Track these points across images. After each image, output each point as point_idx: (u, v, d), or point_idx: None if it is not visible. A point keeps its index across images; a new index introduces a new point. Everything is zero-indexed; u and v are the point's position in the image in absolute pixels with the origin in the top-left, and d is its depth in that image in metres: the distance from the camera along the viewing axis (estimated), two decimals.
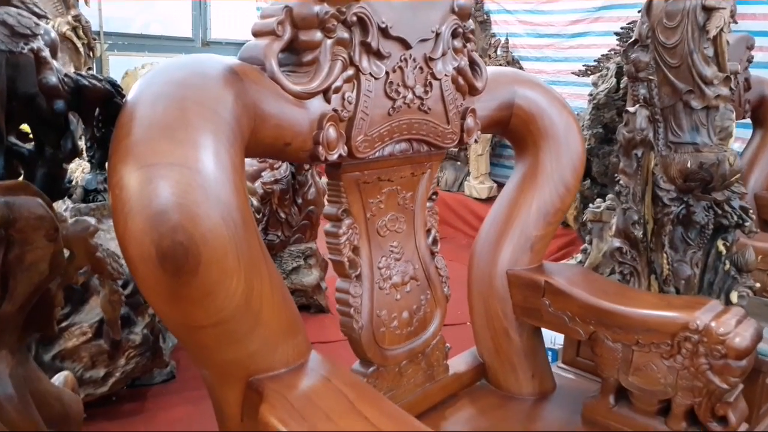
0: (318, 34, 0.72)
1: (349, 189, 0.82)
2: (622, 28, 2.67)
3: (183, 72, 0.59)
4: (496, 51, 3.83)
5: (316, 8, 0.71)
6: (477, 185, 3.70)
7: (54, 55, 0.66)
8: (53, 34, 0.68)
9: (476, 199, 3.69)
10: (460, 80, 0.91)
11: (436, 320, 0.96)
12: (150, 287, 0.55)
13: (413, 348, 0.92)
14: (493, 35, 3.94)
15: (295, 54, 0.73)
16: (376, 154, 0.81)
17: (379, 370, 0.87)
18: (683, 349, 0.85)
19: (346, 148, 0.76)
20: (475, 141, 0.96)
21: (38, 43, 0.58)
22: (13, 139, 0.67)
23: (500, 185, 3.97)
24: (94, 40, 3.53)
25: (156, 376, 1.66)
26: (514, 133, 1.06)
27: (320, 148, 0.72)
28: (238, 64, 0.66)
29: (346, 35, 0.75)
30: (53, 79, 0.59)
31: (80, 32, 3.32)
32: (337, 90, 0.74)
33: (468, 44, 0.92)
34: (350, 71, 0.76)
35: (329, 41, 0.73)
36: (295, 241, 2.17)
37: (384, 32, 0.78)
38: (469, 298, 1.07)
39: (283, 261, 2.07)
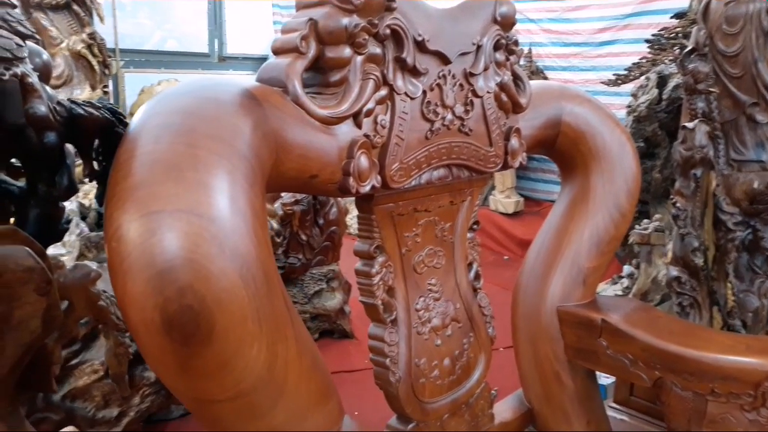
0: (347, 50, 0.63)
1: (382, 223, 0.72)
2: (653, 35, 2.55)
3: (192, 98, 0.50)
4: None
5: (345, 21, 0.62)
6: (503, 199, 3.59)
7: (47, 79, 0.58)
8: (45, 56, 0.60)
9: (502, 213, 3.58)
10: (504, 97, 0.81)
11: (480, 366, 0.86)
12: (155, 358, 0.46)
13: (456, 399, 0.82)
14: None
15: (321, 73, 0.64)
16: (413, 183, 0.72)
17: (419, 425, 0.77)
18: None
19: (379, 178, 0.66)
20: (521, 164, 0.86)
21: (24, 68, 0.50)
22: (1, 176, 0.59)
23: (527, 199, 3.87)
24: (110, 57, 3.50)
25: (173, 411, 1.58)
26: (561, 154, 0.95)
27: (351, 179, 0.63)
28: (257, 86, 0.57)
29: (378, 51, 0.65)
30: (42, 108, 0.50)
31: (95, 50, 3.30)
32: (369, 113, 0.65)
33: (511, 57, 0.83)
34: (383, 91, 0.66)
35: (359, 58, 0.64)
36: (317, 264, 2.08)
37: (420, 46, 0.69)
38: (514, 338, 0.96)
39: (304, 284, 1.98)
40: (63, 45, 3.29)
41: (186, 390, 0.48)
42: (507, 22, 0.80)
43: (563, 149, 0.94)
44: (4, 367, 0.55)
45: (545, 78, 3.71)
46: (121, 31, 4.14)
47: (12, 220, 0.60)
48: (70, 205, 1.34)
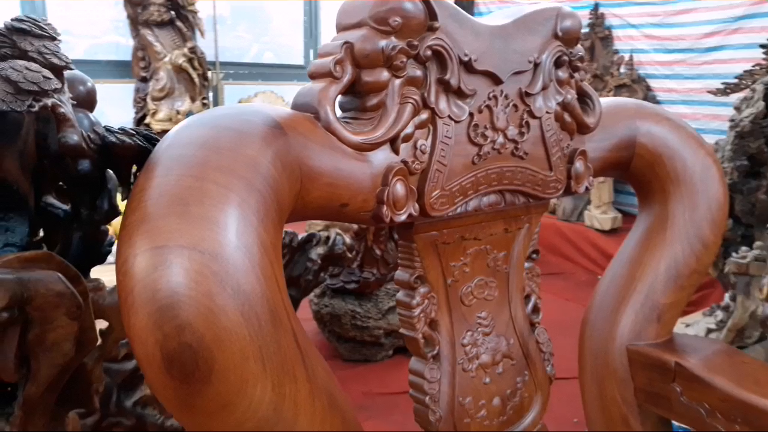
0: (384, 74, 0.60)
1: (424, 252, 0.68)
2: None
3: (210, 129, 0.49)
4: (618, 69, 3.54)
5: (382, 43, 0.59)
6: (599, 215, 3.41)
7: (89, 106, 0.59)
8: (89, 84, 0.62)
9: (598, 230, 3.40)
10: (566, 117, 0.75)
11: (536, 406, 0.80)
12: (159, 393, 0.45)
13: None
14: (616, 52, 3.65)
15: (359, 98, 0.61)
16: (458, 210, 0.68)
17: None
18: None
19: (417, 206, 0.63)
20: (587, 189, 0.80)
21: (55, 98, 0.51)
22: (51, 199, 0.62)
23: (625, 215, 3.66)
24: (209, 70, 3.68)
25: None
26: (636, 178, 0.88)
27: (384, 208, 0.60)
28: (286, 114, 0.55)
29: (419, 73, 0.62)
30: (74, 137, 0.52)
31: (196, 63, 3.48)
32: (407, 138, 0.62)
33: (576, 74, 0.76)
34: (424, 115, 0.63)
35: (398, 81, 0.61)
36: (392, 279, 2.06)
37: (467, 66, 0.65)
38: (581, 376, 0.89)
39: (378, 300, 1.96)
40: (166, 59, 3.50)
41: (190, 425, 0.47)
42: (570, 38, 0.74)
43: (639, 173, 0.86)
44: (40, 387, 0.57)
45: (648, 87, 3.51)
46: (221, 45, 4.35)
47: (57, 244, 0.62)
48: None
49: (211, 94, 4.02)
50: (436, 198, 0.64)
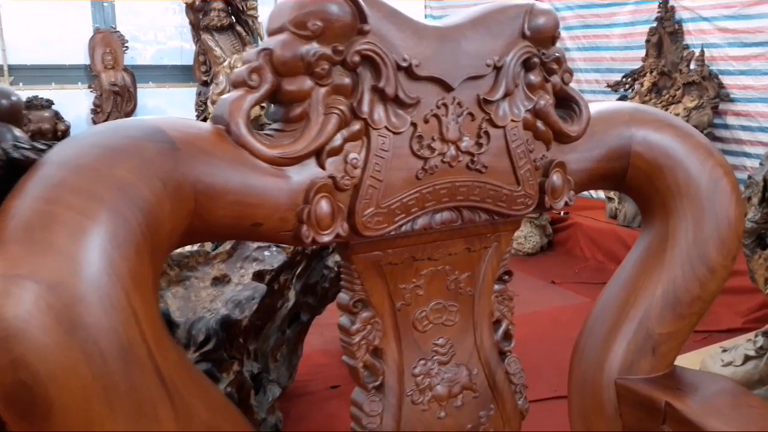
0: (307, 82, 0.55)
1: (365, 273, 0.63)
2: None
3: (79, 145, 0.46)
4: (688, 65, 3.31)
5: (303, 49, 0.54)
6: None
7: (16, 120, 0.58)
8: (14, 98, 0.61)
9: (626, 227, 3.21)
10: (540, 125, 0.68)
11: None
12: (9, 425, 0.43)
13: None
14: (686, 47, 3.41)
15: (283, 107, 0.57)
16: (403, 229, 0.62)
17: None
18: None
19: (346, 225, 0.58)
20: (566, 204, 0.72)
21: None
22: None
23: None
24: None
25: None
26: (635, 192, 0.78)
27: (305, 227, 0.55)
28: (186, 128, 0.52)
29: (347, 80, 0.57)
30: None
31: None
32: (335, 151, 0.57)
33: (552, 77, 0.68)
34: (356, 126, 0.58)
35: (322, 90, 0.56)
36: None
37: (408, 72, 0.59)
38: (569, 411, 0.81)
39: None
40: (225, 63, 3.57)
41: None
42: (543, 37, 0.66)
43: (636, 186, 0.77)
44: None
45: (720, 84, 3.25)
46: None
47: None
48: None
49: None
50: (370, 216, 0.59)
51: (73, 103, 4.01)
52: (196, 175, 0.49)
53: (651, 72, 3.49)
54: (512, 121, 0.66)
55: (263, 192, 0.54)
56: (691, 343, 2.34)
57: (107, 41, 4.16)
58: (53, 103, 3.25)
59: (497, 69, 0.64)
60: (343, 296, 0.64)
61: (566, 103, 0.72)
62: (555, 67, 0.68)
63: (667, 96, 3.29)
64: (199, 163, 0.50)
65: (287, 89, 0.55)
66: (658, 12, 3.50)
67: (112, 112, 4.11)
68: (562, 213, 3.93)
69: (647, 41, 3.58)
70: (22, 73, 4.00)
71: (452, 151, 0.62)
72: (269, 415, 1.52)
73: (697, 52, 3.28)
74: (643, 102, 3.40)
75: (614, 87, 3.80)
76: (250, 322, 1.35)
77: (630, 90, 3.69)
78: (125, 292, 0.42)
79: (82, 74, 4.22)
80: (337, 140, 0.57)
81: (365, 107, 0.57)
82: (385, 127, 0.59)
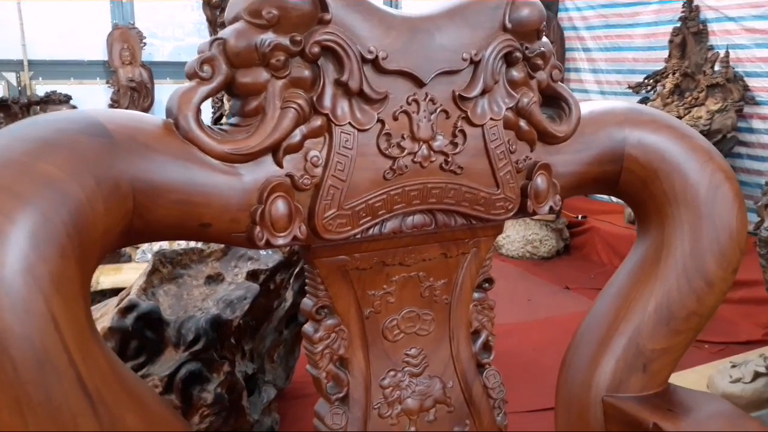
0: (263, 74, 0.52)
1: (329, 278, 0.59)
2: None
3: (9, 138, 0.43)
4: (712, 67, 3.21)
5: (257, 38, 0.51)
6: None
7: None
8: None
9: None
10: (523, 125, 0.64)
11: None
12: None
13: None
14: (711, 48, 3.31)
15: (239, 101, 0.54)
16: (371, 232, 0.58)
17: None
18: None
19: (304, 227, 0.54)
20: (551, 211, 0.67)
21: None
22: None
23: None
24: None
25: None
26: (629, 197, 0.74)
27: (258, 229, 0.52)
28: (127, 121, 0.49)
29: (307, 73, 0.53)
30: None
31: None
32: (294, 148, 0.53)
33: (537, 73, 0.64)
34: (316, 122, 0.54)
35: (279, 82, 0.52)
36: None
37: (375, 65, 0.55)
38: (556, 428, 0.76)
39: None
40: None
41: None
42: (527, 30, 0.62)
43: (630, 191, 0.72)
44: None
45: (745, 87, 3.14)
46: None
47: None
48: None
49: None
50: (332, 218, 0.55)
51: (91, 98, 4.04)
52: (133, 171, 0.46)
53: (674, 73, 3.39)
54: (491, 119, 0.61)
55: (212, 191, 0.50)
56: (707, 355, 2.26)
57: (125, 37, 4.18)
58: (71, 98, 3.28)
59: (475, 64, 0.60)
60: (306, 302, 0.60)
61: (555, 101, 0.67)
62: (540, 62, 0.64)
63: (689, 98, 3.20)
64: (138, 159, 0.47)
65: (241, 81, 0.52)
66: (682, 12, 3.40)
67: (129, 107, 4.12)
68: (579, 217, 3.85)
69: (670, 42, 3.48)
70: (41, 68, 4.04)
71: (424, 150, 0.58)
72: (265, 417, 1.50)
73: (722, 53, 3.17)
74: (665, 104, 3.31)
75: (635, 89, 3.71)
76: (244, 322, 1.32)
77: (652, 92, 3.60)
78: (43, 297, 0.39)
79: (101, 70, 4.25)
80: (296, 136, 0.53)
81: (327, 102, 0.54)
82: (350, 124, 0.55)
